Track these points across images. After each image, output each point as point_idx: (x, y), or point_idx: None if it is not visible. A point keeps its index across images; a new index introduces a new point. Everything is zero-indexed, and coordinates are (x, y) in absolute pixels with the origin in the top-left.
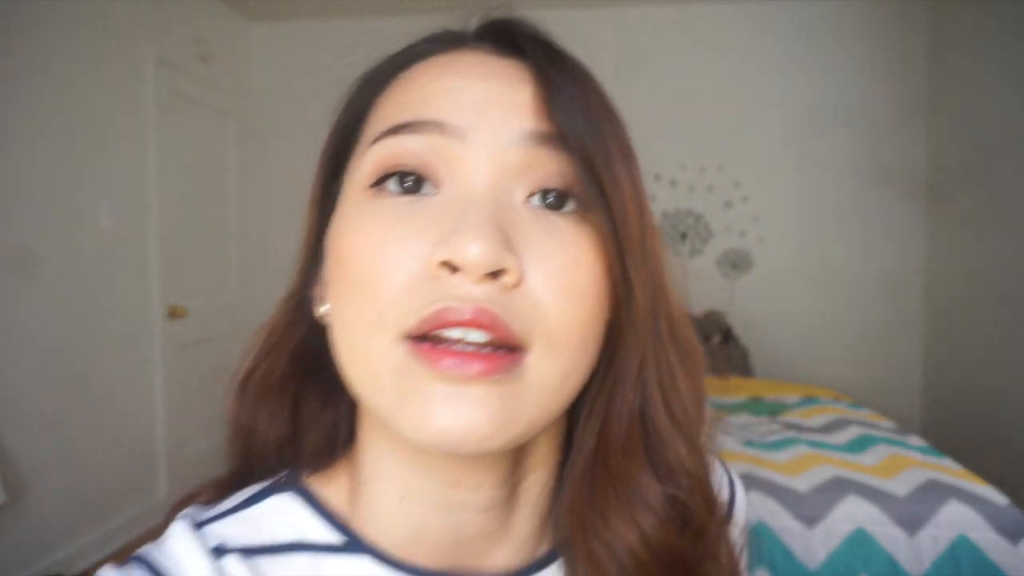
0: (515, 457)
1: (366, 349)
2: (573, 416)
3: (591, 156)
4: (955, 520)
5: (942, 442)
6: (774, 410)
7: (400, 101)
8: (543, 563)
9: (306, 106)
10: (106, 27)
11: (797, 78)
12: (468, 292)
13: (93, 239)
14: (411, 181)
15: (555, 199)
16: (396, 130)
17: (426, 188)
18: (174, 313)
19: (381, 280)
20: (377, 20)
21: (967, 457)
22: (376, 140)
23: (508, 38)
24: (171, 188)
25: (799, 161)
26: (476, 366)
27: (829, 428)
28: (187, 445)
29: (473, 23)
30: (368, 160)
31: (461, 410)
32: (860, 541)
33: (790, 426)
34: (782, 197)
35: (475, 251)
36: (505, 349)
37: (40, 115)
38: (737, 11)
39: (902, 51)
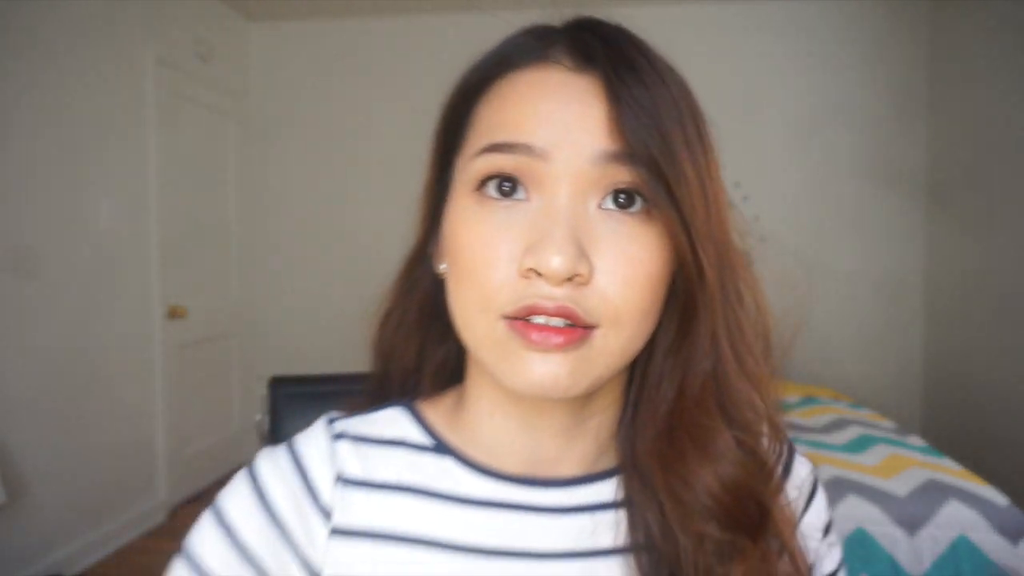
0: (584, 398)
1: (475, 323)
2: (634, 369)
3: (657, 164)
4: (955, 520)
5: (942, 442)
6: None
7: (497, 117)
8: (604, 476)
9: (306, 106)
10: (106, 27)
11: (797, 78)
12: (551, 292)
13: (93, 239)
14: (508, 186)
15: (625, 199)
16: (494, 148)
17: (519, 193)
18: (174, 313)
19: (486, 275)
20: (377, 20)
21: (967, 457)
22: (478, 154)
23: (586, 49)
24: (171, 188)
25: (799, 161)
26: (556, 340)
27: (829, 428)
28: (187, 445)
29: (554, 28)
30: (473, 169)
31: (546, 369)
32: (860, 541)
33: (790, 426)
34: (782, 197)
35: (556, 263)
36: (578, 326)
37: (40, 115)
38: (737, 11)
39: (902, 51)
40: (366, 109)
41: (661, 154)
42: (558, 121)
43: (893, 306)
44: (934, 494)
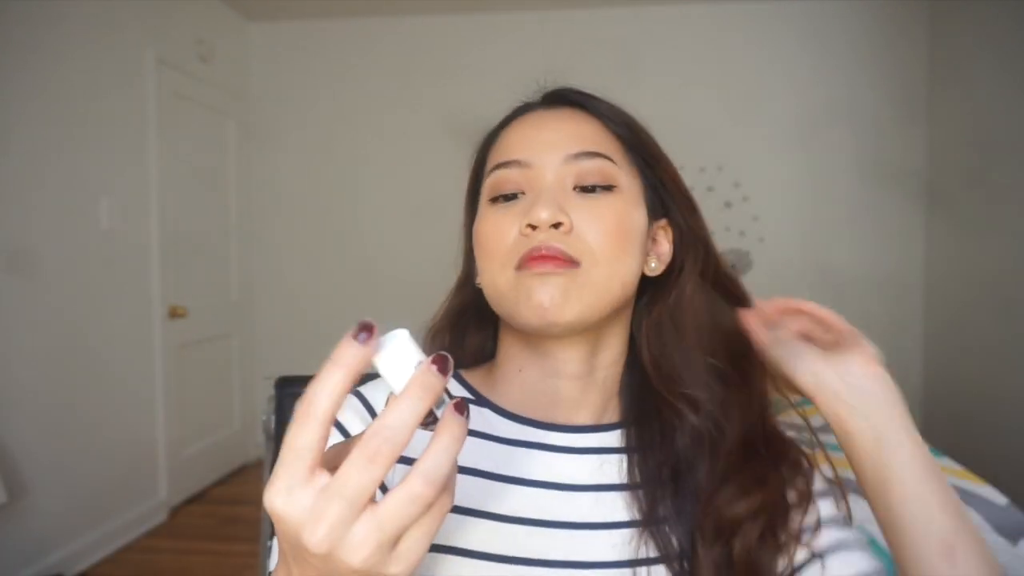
0: (590, 348)
1: (497, 279)
2: (632, 352)
3: (611, 159)
4: None
5: (942, 442)
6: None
7: (500, 147)
8: (609, 427)
9: (306, 106)
10: (106, 27)
11: (797, 78)
12: (544, 238)
13: (93, 239)
14: (511, 196)
15: (591, 184)
16: (499, 166)
17: (518, 195)
18: (174, 313)
19: (499, 245)
20: (377, 20)
21: (967, 457)
22: (489, 172)
23: (557, 98)
24: (171, 188)
25: (799, 161)
26: (549, 265)
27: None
28: (187, 445)
29: (539, 93)
30: (488, 185)
31: (545, 293)
32: None
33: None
34: (782, 197)
35: (543, 214)
36: (567, 262)
37: (40, 115)
38: (737, 11)
39: (902, 51)
40: (366, 109)
41: (612, 153)
42: (538, 141)
43: (893, 306)
44: None
